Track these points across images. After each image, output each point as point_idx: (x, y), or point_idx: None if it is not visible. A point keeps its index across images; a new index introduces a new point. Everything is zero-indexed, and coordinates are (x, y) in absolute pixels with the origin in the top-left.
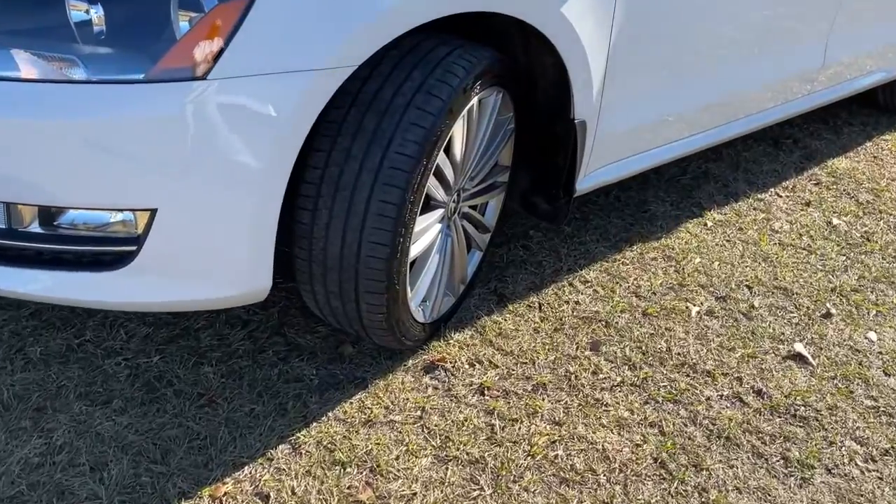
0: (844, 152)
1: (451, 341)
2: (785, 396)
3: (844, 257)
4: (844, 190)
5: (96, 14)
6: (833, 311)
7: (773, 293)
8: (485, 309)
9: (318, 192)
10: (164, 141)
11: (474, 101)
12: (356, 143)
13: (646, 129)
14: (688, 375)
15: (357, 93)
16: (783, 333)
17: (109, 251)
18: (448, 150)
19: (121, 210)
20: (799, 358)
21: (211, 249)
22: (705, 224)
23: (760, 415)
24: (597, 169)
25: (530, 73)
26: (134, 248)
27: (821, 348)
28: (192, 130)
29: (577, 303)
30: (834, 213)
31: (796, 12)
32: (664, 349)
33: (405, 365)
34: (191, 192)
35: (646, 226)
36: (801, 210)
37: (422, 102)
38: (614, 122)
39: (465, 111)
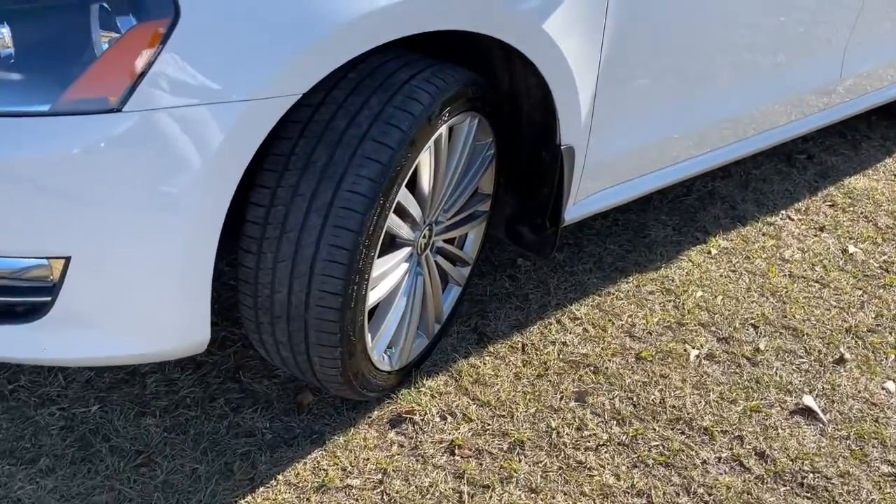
0: (862, 170)
1: (423, 389)
2: (791, 460)
3: (861, 291)
4: (862, 213)
5: (7, 34)
6: (847, 355)
7: (781, 334)
8: (463, 350)
9: (262, 234)
10: (73, 182)
11: (442, 129)
12: (304, 180)
13: (644, 151)
14: (683, 433)
15: (307, 122)
16: (791, 383)
17: (21, 302)
18: (414, 184)
19: (29, 258)
20: (808, 413)
21: (135, 301)
22: (709, 252)
23: (763, 483)
24: (588, 196)
25: (514, 95)
26: (48, 298)
27: (833, 401)
28: (106, 170)
29: (564, 344)
30: (850, 239)
31: (810, 22)
32: (658, 400)
33: (370, 417)
34: (108, 239)
35: (644, 253)
36: (815, 236)
37: (379, 134)
38: (607, 145)
39: (431, 142)
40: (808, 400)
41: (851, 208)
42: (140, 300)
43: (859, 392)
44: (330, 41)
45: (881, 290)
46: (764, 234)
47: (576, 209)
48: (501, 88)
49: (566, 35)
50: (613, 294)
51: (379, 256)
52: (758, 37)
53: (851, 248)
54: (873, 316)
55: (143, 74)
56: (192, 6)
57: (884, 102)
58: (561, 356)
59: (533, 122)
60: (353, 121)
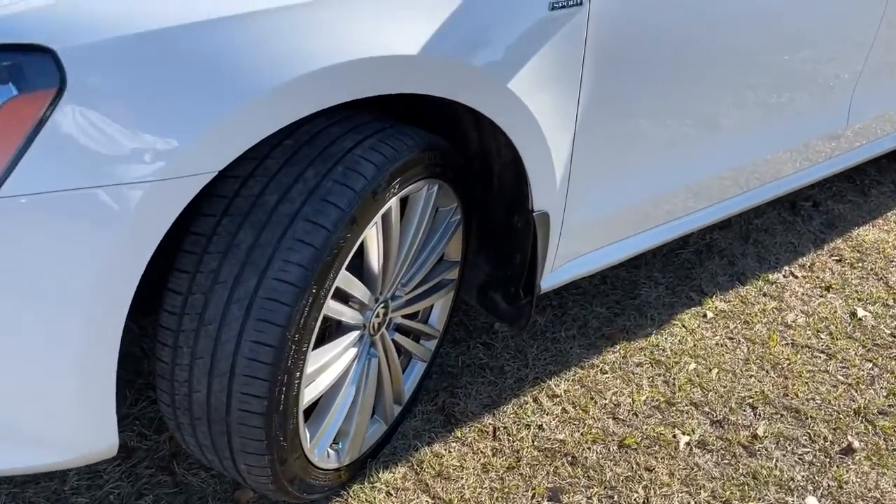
0: (872, 219)
1: (378, 484)
2: None
3: (871, 364)
4: (871, 269)
5: None
6: (856, 443)
7: (782, 416)
8: (427, 435)
9: (178, 325)
10: None
11: (392, 202)
12: (226, 265)
13: (632, 211)
14: None
15: (233, 196)
16: (793, 479)
17: None
18: (361, 262)
19: None
20: None
21: (21, 408)
22: (704, 315)
23: None
24: (568, 261)
25: (485, 153)
26: None
27: (839, 502)
28: None
29: (540, 427)
30: (859, 300)
31: (814, 68)
32: (641, 500)
33: None
34: None
35: (634, 317)
36: (820, 297)
37: (313, 213)
38: (588, 207)
39: (377, 217)
40: (812, 502)
41: (860, 264)
42: (30, 407)
43: (869, 490)
44: (249, 112)
45: (893, 363)
46: (765, 295)
47: (554, 276)
48: (470, 147)
49: (536, 92)
50: (598, 366)
51: (319, 346)
52: (758, 83)
53: (860, 312)
54: (885, 394)
55: (22, 153)
56: (82, 75)
57: (892, 149)
58: (535, 443)
59: (505, 184)
60: (284, 196)
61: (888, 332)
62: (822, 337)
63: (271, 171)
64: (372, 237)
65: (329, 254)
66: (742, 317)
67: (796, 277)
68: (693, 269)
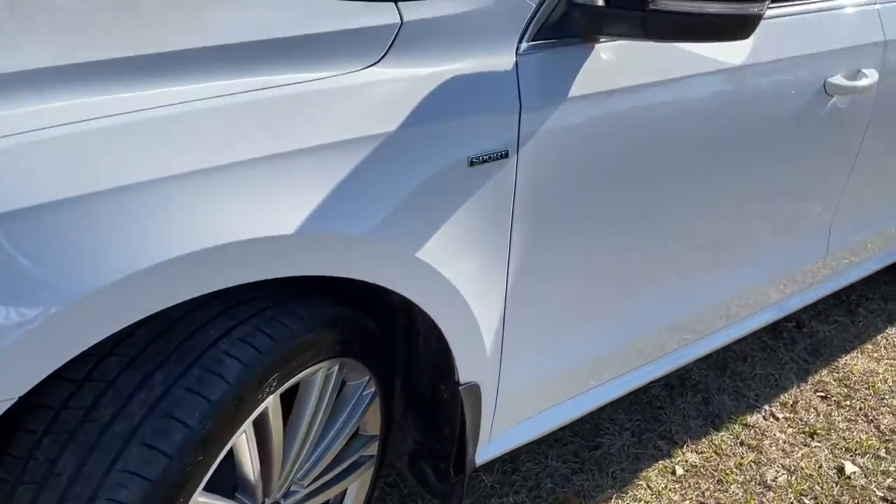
0: (860, 344)
1: None
2: None
3: None
4: (860, 408)
5: None
6: None
7: None
8: None
9: None
10: None
11: (268, 402)
12: (40, 502)
13: (583, 369)
14: None
15: (61, 408)
16: None
17: None
18: (234, 464)
19: None
20: None
21: None
22: (673, 472)
23: None
24: (511, 427)
25: (409, 307)
26: None
27: None
28: None
29: None
30: (847, 451)
31: (792, 201)
32: None
33: None
34: None
35: (593, 474)
36: (804, 445)
37: (152, 434)
38: (527, 374)
39: (247, 424)
40: None
41: (848, 402)
42: None
43: None
44: (58, 324)
45: None
46: (742, 444)
47: (492, 447)
48: (392, 298)
49: (455, 259)
50: None
51: None
52: (722, 223)
53: (849, 467)
54: None
55: None
56: None
57: (872, 272)
58: None
59: (430, 346)
60: (122, 409)
61: (880, 493)
62: (806, 502)
63: (112, 372)
64: (242, 444)
65: (171, 487)
66: (716, 474)
67: (777, 420)
68: (663, 410)
